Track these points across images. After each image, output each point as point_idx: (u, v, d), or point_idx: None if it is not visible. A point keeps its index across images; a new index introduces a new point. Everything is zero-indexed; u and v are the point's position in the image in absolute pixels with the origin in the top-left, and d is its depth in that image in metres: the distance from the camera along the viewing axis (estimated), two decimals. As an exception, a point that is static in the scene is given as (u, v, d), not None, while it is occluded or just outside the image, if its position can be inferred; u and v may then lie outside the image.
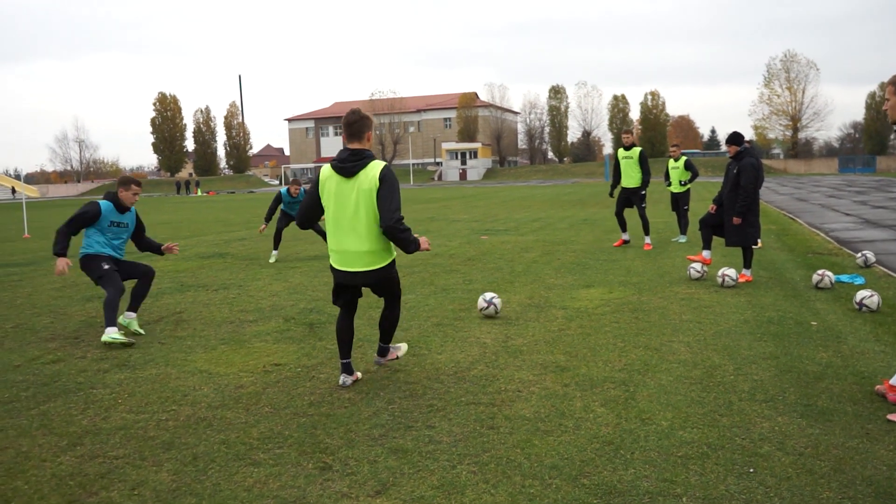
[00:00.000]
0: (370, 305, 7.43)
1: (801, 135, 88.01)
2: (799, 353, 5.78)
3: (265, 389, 5.20)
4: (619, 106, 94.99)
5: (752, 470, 3.64)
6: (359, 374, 5.39)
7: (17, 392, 5.30)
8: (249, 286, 9.91)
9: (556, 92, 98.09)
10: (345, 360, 5.26)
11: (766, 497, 3.36)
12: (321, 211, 5.16)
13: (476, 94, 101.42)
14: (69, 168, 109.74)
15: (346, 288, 5.20)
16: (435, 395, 4.96)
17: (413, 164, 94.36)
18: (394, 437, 4.22)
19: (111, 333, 6.53)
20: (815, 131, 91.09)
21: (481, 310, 7.41)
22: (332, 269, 5.15)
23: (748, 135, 67.61)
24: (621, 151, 12.60)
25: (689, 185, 14.11)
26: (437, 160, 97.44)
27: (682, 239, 13.82)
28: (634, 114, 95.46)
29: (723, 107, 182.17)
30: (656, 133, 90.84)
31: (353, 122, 5.16)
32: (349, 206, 4.94)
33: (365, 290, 5.35)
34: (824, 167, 79.60)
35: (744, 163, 8.81)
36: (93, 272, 7.08)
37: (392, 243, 5.07)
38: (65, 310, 8.56)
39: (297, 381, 5.38)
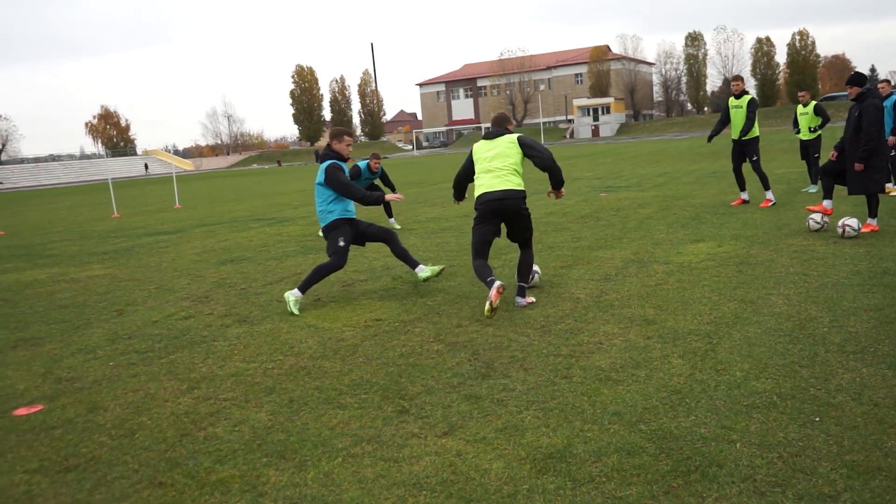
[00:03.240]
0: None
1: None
2: (907, 304, 5.50)
3: (363, 342, 5.61)
4: (763, 49, 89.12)
5: (817, 419, 3.62)
6: (532, 299, 6.51)
7: (153, 343, 6.01)
8: (367, 248, 10.43)
9: (693, 39, 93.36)
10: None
11: (825, 444, 3.35)
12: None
13: (608, 46, 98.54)
14: (219, 142, 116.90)
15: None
16: (518, 347, 5.17)
17: (544, 123, 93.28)
18: (471, 384, 4.49)
19: (293, 295, 6.75)
20: None
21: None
22: None
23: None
24: (732, 100, 11.74)
25: (819, 132, 13.30)
26: (569, 117, 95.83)
27: (814, 188, 13.09)
28: (781, 57, 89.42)
29: (884, 43, 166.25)
30: (806, 76, 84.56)
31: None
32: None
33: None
34: None
35: (866, 104, 8.27)
36: (330, 244, 7.03)
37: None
38: (201, 272, 9.43)
39: (392, 335, 5.75)
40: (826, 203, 9.07)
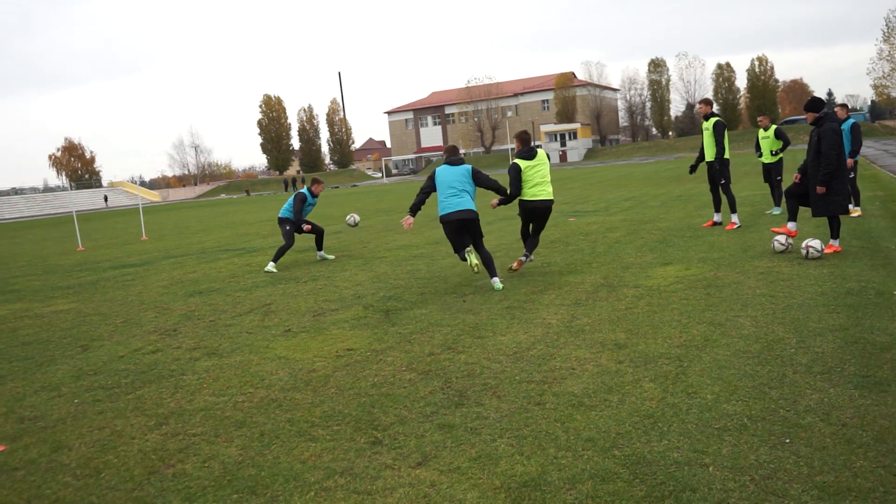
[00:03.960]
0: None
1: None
2: (871, 324, 5.61)
3: (334, 372, 5.56)
4: (723, 75, 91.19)
5: (787, 440, 3.66)
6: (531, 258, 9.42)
7: (119, 379, 5.89)
8: (336, 277, 10.39)
9: (656, 65, 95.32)
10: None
11: (796, 465, 3.39)
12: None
13: (573, 73, 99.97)
14: (186, 172, 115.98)
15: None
16: (491, 375, 5.16)
17: (511, 149, 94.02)
18: (444, 413, 4.47)
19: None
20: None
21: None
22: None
23: (867, 95, 63.14)
24: (703, 123, 11.97)
25: (780, 155, 13.59)
26: (537, 143, 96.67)
27: (777, 211, 13.34)
28: (741, 82, 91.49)
29: (839, 68, 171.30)
30: (766, 100, 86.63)
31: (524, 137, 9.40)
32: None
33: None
34: (956, 126, 73.64)
35: (824, 128, 8.47)
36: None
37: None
38: (169, 305, 9.29)
39: (364, 365, 5.71)
40: (790, 225, 9.21)
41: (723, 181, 11.61)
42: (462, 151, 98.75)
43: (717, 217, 12.20)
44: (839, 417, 3.90)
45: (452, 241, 8.60)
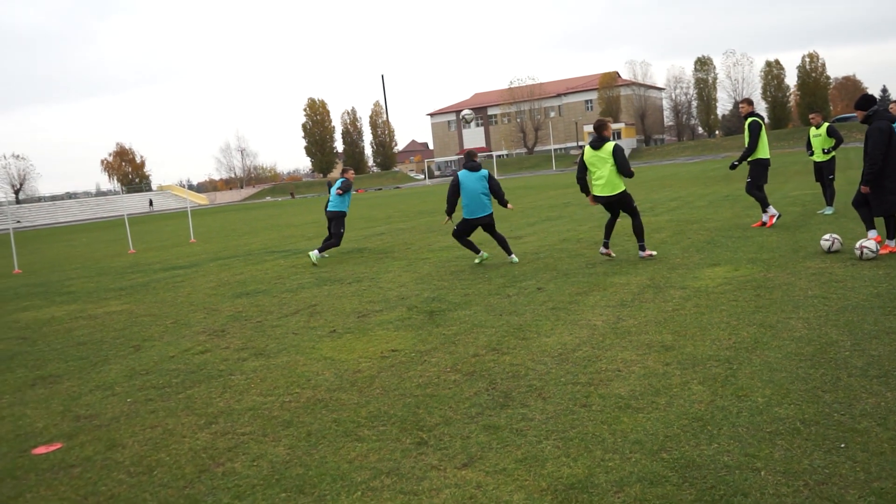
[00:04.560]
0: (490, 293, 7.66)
1: None
2: (930, 326, 5.43)
3: (379, 373, 5.60)
4: (772, 72, 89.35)
5: (843, 445, 3.56)
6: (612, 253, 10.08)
7: (170, 379, 6.02)
8: (381, 278, 10.46)
9: (703, 63, 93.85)
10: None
11: (852, 471, 3.30)
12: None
13: (617, 73, 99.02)
14: (233, 175, 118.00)
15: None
16: (536, 376, 5.14)
17: (555, 150, 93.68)
18: (489, 415, 4.46)
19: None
20: None
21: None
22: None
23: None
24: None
25: (833, 153, 13.25)
26: (580, 143, 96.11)
27: (829, 210, 13.00)
28: (791, 79, 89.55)
29: (894, 64, 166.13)
30: (817, 98, 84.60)
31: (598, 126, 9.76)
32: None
33: None
34: None
35: (871, 128, 8.29)
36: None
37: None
38: (217, 306, 9.46)
39: (409, 366, 5.73)
40: (871, 233, 8.80)
41: (749, 180, 11.59)
42: (504, 152, 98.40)
43: (764, 217, 11.96)
44: (897, 422, 3.78)
45: (464, 231, 10.61)
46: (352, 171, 13.86)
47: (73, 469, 4.23)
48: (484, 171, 10.37)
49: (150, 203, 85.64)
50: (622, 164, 9.48)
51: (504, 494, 3.39)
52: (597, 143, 9.55)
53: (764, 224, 11.90)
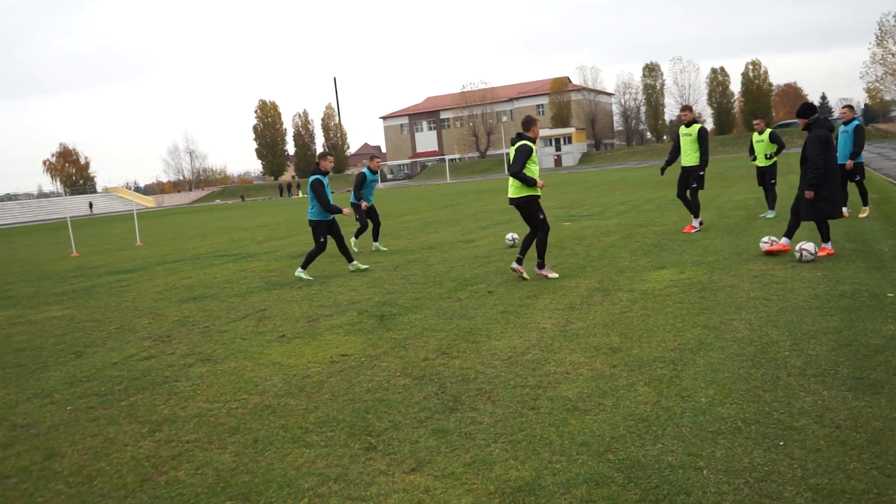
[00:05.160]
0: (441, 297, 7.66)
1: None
2: (864, 326, 5.62)
3: (329, 378, 5.55)
4: (717, 79, 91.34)
5: (781, 443, 3.66)
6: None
7: (112, 386, 5.87)
8: (331, 282, 10.37)
9: (651, 70, 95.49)
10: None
11: (790, 468, 3.39)
12: None
13: (568, 78, 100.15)
14: (181, 178, 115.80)
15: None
16: (485, 380, 5.16)
17: (507, 154, 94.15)
18: (438, 419, 4.46)
19: (300, 272, 10.77)
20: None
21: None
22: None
23: (861, 98, 63.28)
24: (682, 128, 12.13)
25: (775, 159, 13.62)
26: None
27: (771, 214, 13.36)
28: (735, 86, 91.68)
29: (833, 72, 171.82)
30: (760, 104, 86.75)
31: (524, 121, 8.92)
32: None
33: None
34: (949, 128, 73.91)
35: (810, 135, 8.55)
36: (316, 236, 10.63)
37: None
38: (163, 311, 9.27)
39: (359, 370, 5.69)
40: (784, 239, 9.13)
41: (695, 185, 11.85)
42: (457, 156, 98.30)
43: (695, 222, 12.27)
44: (833, 420, 3.90)
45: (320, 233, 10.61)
46: (378, 160, 13.85)
47: (8, 480, 4.09)
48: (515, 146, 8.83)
49: (91, 206, 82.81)
50: (515, 162, 8.60)
51: (452, 498, 3.39)
52: (515, 139, 8.85)
53: (696, 230, 12.17)
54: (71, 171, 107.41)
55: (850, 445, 3.57)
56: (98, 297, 11.08)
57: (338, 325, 7.46)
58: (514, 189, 8.80)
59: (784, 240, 9.19)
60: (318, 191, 10.39)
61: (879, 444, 3.56)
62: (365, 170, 13.34)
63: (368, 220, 13.69)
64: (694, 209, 12.04)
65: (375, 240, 13.90)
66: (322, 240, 10.56)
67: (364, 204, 13.26)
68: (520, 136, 8.77)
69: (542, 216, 8.85)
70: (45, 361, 6.97)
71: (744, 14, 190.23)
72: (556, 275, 8.90)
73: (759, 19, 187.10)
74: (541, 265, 9.05)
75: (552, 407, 4.47)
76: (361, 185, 13.23)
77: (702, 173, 11.95)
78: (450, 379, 5.24)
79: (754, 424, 3.92)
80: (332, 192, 12.93)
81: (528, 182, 8.59)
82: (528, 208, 8.80)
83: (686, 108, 12.35)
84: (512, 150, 8.79)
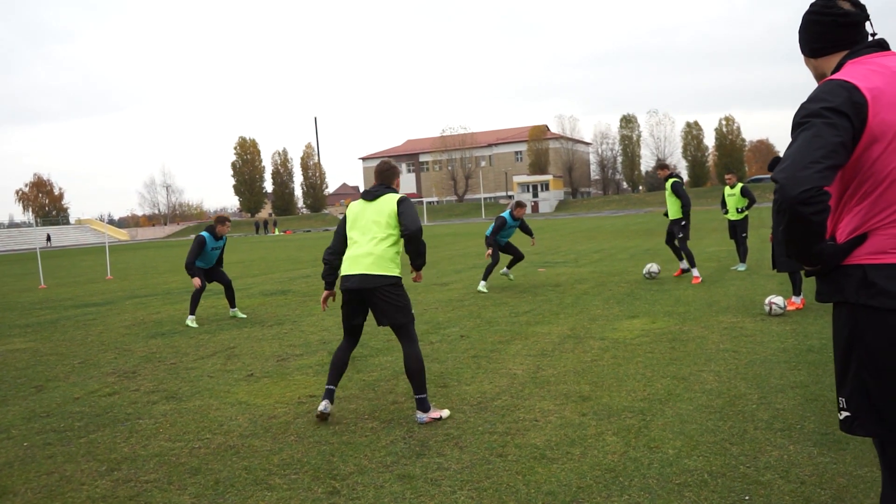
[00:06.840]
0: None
1: None
2: (831, 381, 5.66)
3: (295, 419, 5.46)
4: (692, 133, 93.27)
5: (747, 497, 3.65)
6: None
7: (72, 422, 5.72)
8: (303, 322, 10.28)
9: (628, 121, 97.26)
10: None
11: (755, 524, 3.37)
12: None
13: (546, 126, 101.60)
14: (157, 212, 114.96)
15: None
16: (454, 425, 5.11)
17: (485, 199, 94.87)
18: (404, 464, 4.40)
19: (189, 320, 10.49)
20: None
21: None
22: None
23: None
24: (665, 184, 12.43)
25: (746, 213, 13.87)
26: (509, 193, 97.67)
27: (742, 267, 13.54)
28: (709, 140, 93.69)
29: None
30: (732, 159, 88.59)
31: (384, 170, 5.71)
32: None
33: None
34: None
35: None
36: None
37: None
38: (129, 346, 9.10)
39: (326, 412, 5.60)
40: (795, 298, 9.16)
41: (681, 236, 12.06)
42: (435, 199, 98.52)
43: (683, 264, 12.76)
44: (798, 475, 3.90)
45: None
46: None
47: (-44, 519, 3.95)
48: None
49: (48, 239, 79.76)
50: (406, 217, 5.36)
51: (415, 546, 3.33)
52: (370, 194, 5.54)
53: (684, 272, 12.61)
54: (44, 201, 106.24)
55: (814, 501, 3.57)
56: (63, 331, 10.88)
57: (307, 364, 7.37)
58: (371, 262, 5.35)
59: (795, 298, 9.13)
60: (195, 246, 10.46)
61: (843, 501, 3.56)
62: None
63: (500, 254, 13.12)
64: (689, 259, 12.21)
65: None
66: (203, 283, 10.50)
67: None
68: (382, 188, 5.57)
69: (410, 314, 5.58)
70: (3, 395, 6.79)
71: (717, 72, 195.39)
72: (444, 415, 5.30)
73: (732, 76, 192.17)
74: (422, 402, 5.29)
75: (520, 455, 4.43)
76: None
77: (683, 223, 12.14)
78: (417, 424, 5.19)
79: (720, 478, 3.91)
80: (308, 231, 12.72)
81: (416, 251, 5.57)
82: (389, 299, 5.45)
83: (659, 167, 12.71)
84: (365, 205, 5.55)
